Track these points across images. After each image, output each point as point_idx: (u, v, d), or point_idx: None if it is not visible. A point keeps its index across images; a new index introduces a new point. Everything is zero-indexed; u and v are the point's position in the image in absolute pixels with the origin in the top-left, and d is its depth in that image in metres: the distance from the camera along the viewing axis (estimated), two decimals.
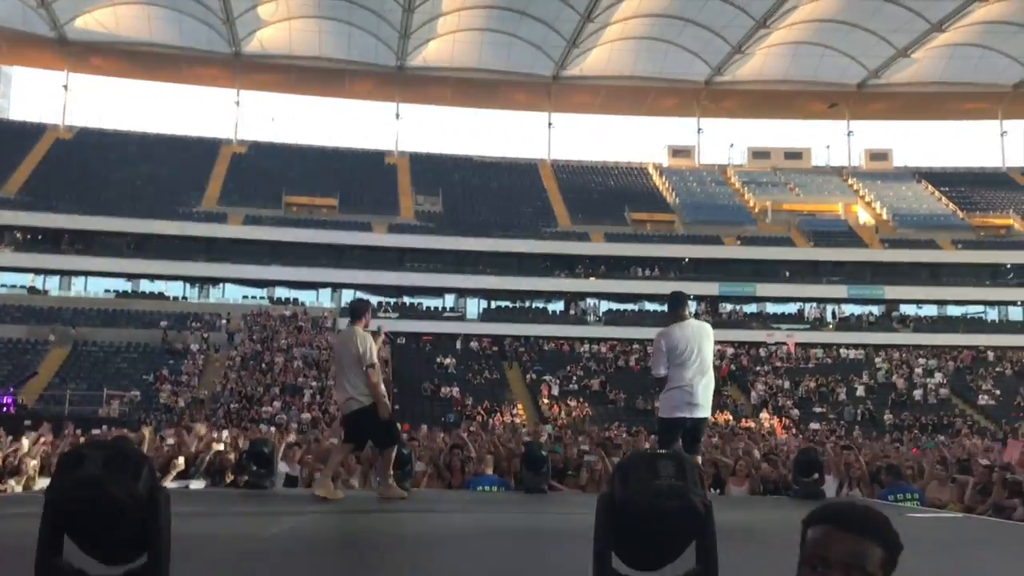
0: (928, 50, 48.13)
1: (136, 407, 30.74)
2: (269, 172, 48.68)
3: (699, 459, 6.94)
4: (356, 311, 7.62)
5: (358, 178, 50.30)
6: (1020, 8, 43.46)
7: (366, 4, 45.27)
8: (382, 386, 7.14)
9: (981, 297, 46.38)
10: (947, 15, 43.98)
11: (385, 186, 50.35)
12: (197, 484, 8.74)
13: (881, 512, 1.81)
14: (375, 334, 7.52)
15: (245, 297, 43.36)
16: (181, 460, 9.22)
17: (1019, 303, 46.41)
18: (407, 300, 44.61)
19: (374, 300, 43.86)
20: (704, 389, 6.81)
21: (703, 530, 2.46)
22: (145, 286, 43.70)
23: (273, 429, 23.06)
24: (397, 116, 54.68)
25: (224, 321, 40.01)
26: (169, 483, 8.35)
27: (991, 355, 42.76)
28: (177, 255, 41.97)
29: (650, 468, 2.41)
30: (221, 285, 44.12)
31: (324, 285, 43.86)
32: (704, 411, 6.87)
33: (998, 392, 38.56)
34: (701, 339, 6.86)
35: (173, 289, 43.65)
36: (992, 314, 47.22)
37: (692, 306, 7.03)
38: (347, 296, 43.89)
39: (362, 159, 53.01)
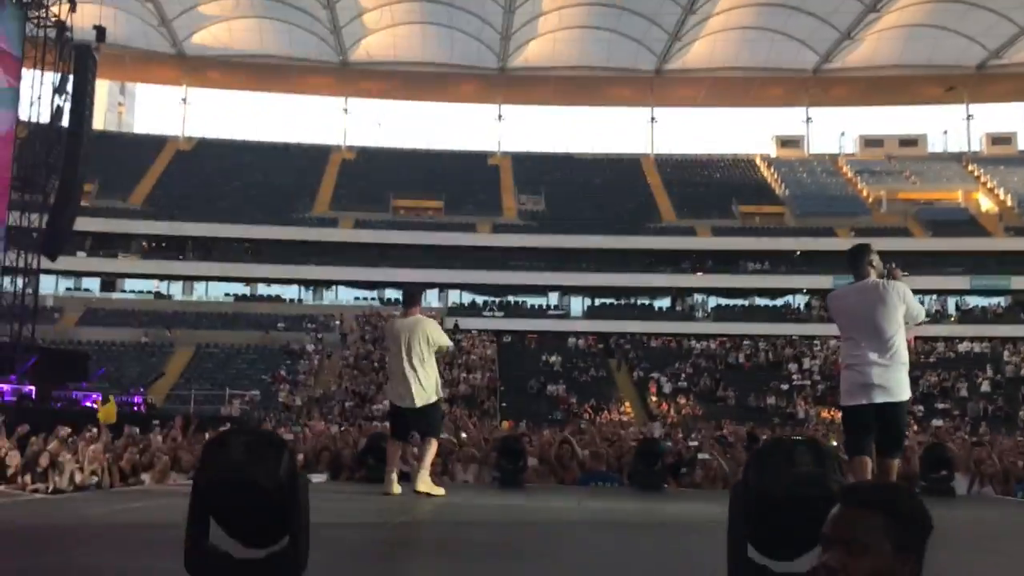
0: None
1: (256, 406, 31.89)
2: (377, 176, 49.81)
3: (895, 463, 5.56)
4: (412, 297, 7.27)
5: (462, 179, 50.91)
6: None
7: (467, 7, 45.78)
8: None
9: None
10: None
11: (488, 187, 50.81)
12: (319, 477, 9.02)
13: (899, 485, 1.70)
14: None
15: (356, 299, 44.49)
16: (300, 456, 9.52)
17: None
18: (511, 299, 44.88)
19: (479, 299, 44.36)
20: (884, 366, 5.38)
21: None
22: (262, 290, 45.35)
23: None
24: (499, 117, 55.15)
25: (337, 322, 41.13)
26: None
27: None
28: (291, 259, 43.40)
29: (787, 456, 2.36)
30: (334, 287, 45.41)
31: (432, 285, 44.57)
32: (888, 394, 5.37)
33: None
34: (875, 303, 5.46)
35: (288, 292, 45.19)
36: None
37: (875, 261, 5.63)
38: (453, 296, 44.53)
39: (465, 160, 53.63)
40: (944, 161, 53.31)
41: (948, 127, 55.04)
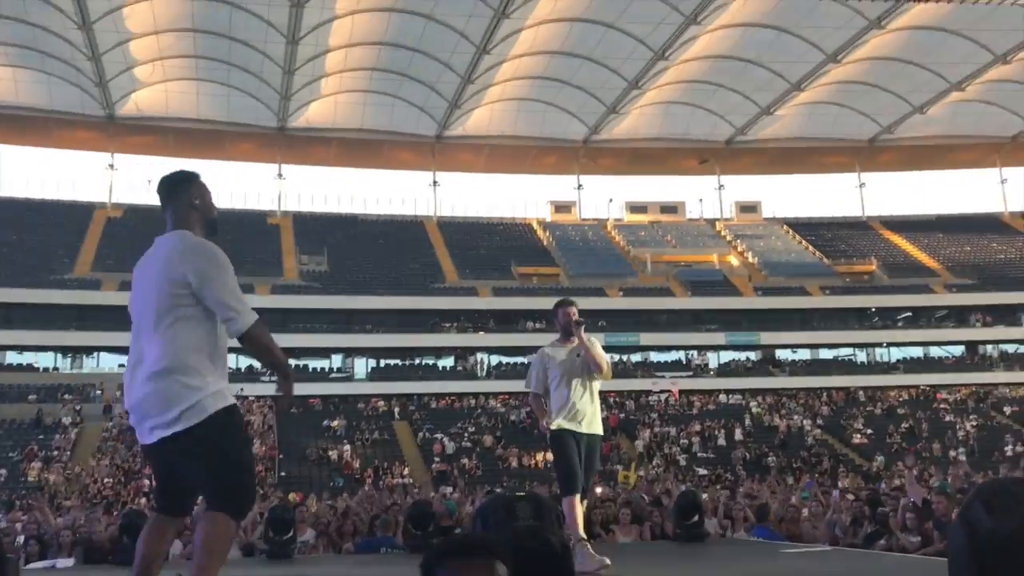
0: (790, 108, 51.05)
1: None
2: (147, 236, 46.33)
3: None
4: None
5: (240, 239, 49.31)
6: (869, 69, 46.71)
7: (246, 66, 44.97)
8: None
9: (850, 340, 48.85)
10: (805, 75, 46.85)
11: (268, 247, 49.60)
12: (65, 562, 8.38)
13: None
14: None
15: (121, 366, 41.64)
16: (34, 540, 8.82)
17: (884, 344, 49.08)
18: (293, 362, 43.72)
19: (257, 364, 42.86)
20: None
21: None
22: (12, 358, 41.55)
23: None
24: (279, 175, 54.17)
25: (98, 392, 38.33)
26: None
27: (862, 395, 44.95)
28: (48, 324, 40.08)
29: (508, 510, 2.55)
30: (96, 354, 42.33)
31: None
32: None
33: (870, 431, 40.43)
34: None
35: (43, 360, 41.65)
36: (861, 356, 49.77)
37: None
38: (230, 361, 42.67)
39: (244, 220, 52.04)
40: (700, 226, 57.91)
41: (703, 195, 59.79)
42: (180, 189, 4.18)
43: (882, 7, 39.59)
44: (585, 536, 6.14)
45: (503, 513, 2.56)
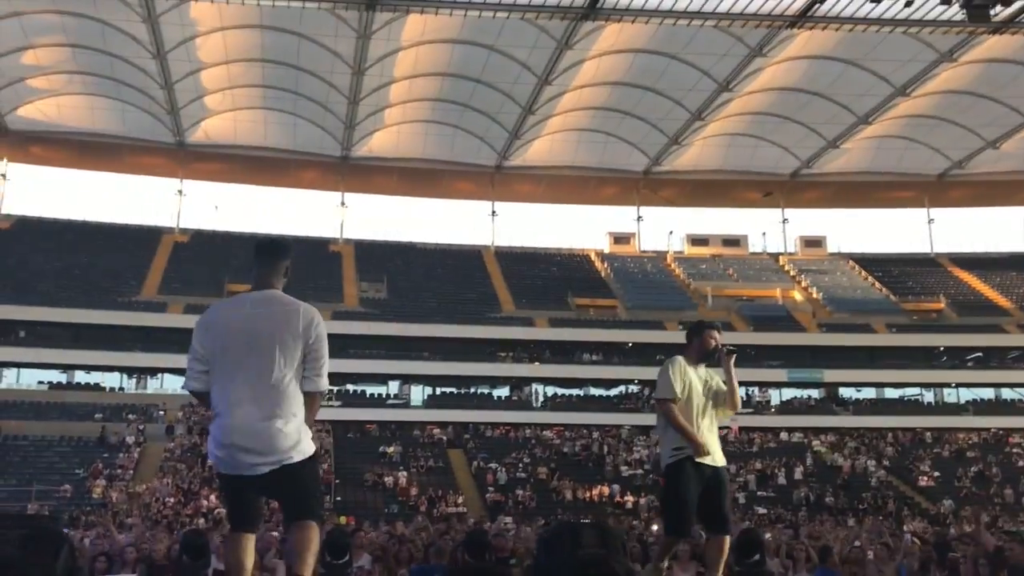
0: (856, 141, 50.21)
1: (67, 503, 29.60)
2: (211, 261, 48.23)
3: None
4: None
5: (302, 265, 49.99)
6: (940, 102, 45.75)
7: (312, 96, 45.91)
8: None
9: (916, 379, 47.47)
10: (873, 108, 46.07)
11: (330, 273, 50.24)
12: None
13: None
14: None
15: (183, 388, 42.39)
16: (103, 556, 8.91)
17: (953, 385, 47.59)
18: (350, 387, 44.07)
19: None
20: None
21: None
22: (80, 377, 42.61)
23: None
24: (342, 204, 54.98)
25: (161, 412, 39.03)
26: None
27: (928, 436, 43.56)
28: (115, 345, 41.03)
29: (573, 538, 2.44)
30: (160, 375, 43.18)
31: None
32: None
33: (937, 474, 39.11)
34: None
35: (110, 380, 42.62)
36: (928, 396, 48.31)
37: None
38: None
39: (306, 247, 52.85)
40: (763, 261, 57.09)
41: (767, 229, 58.93)
42: (282, 255, 5.00)
43: (954, 40, 38.80)
44: (665, 566, 5.85)
45: (568, 540, 2.45)
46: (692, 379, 5.98)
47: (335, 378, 43.20)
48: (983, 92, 44.62)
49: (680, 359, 6.06)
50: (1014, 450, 42.08)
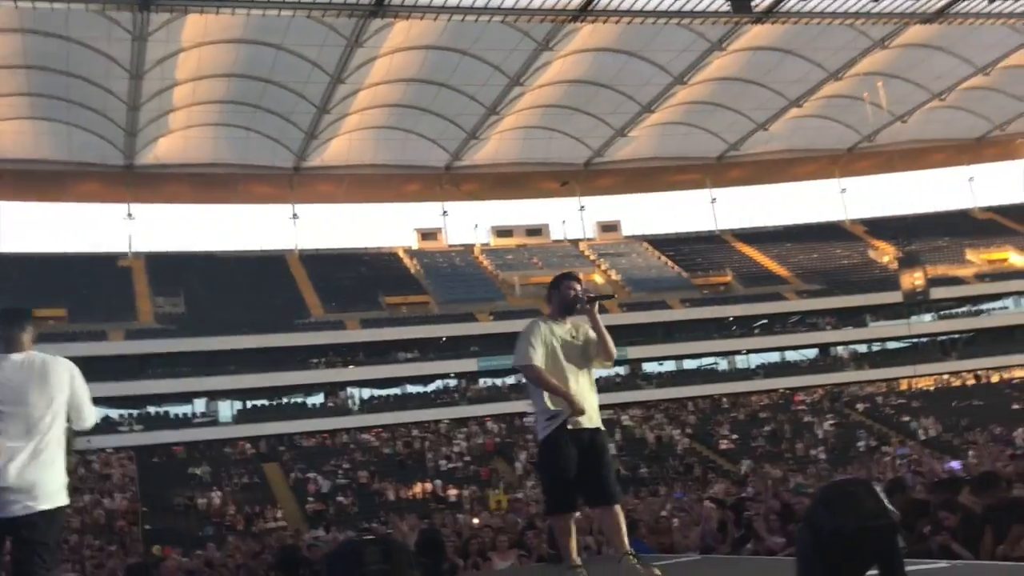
0: (642, 129, 52.69)
1: None
2: None
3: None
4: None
5: (88, 284, 46.92)
6: (714, 89, 48.82)
7: (87, 103, 42.92)
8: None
9: (711, 349, 50.63)
10: (654, 97, 48.47)
11: (120, 291, 47.34)
12: None
13: None
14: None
15: None
16: None
17: (744, 351, 51.11)
18: (152, 410, 41.80)
19: (114, 414, 40.70)
20: None
21: None
22: None
23: None
24: (129, 216, 51.78)
25: None
26: None
27: (725, 401, 46.62)
28: None
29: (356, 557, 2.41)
30: None
31: None
32: None
33: (735, 436, 41.89)
34: None
35: None
36: (723, 364, 51.65)
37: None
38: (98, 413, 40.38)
39: (92, 264, 49.59)
40: (565, 247, 58.93)
41: (566, 217, 60.81)
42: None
43: (723, 30, 41.50)
44: (579, 561, 5.37)
45: (351, 560, 2.42)
46: (556, 339, 5.54)
47: (134, 401, 40.94)
48: (751, 78, 48.03)
49: (538, 321, 5.64)
50: (800, 407, 45.78)
